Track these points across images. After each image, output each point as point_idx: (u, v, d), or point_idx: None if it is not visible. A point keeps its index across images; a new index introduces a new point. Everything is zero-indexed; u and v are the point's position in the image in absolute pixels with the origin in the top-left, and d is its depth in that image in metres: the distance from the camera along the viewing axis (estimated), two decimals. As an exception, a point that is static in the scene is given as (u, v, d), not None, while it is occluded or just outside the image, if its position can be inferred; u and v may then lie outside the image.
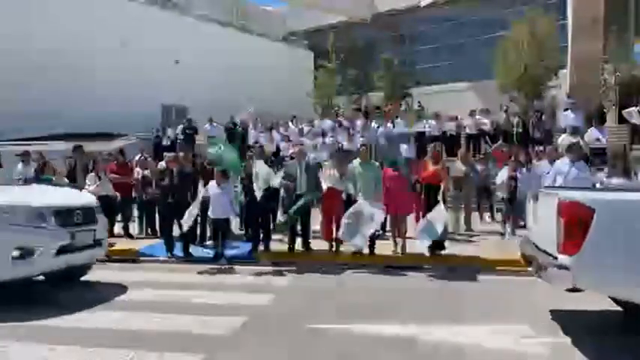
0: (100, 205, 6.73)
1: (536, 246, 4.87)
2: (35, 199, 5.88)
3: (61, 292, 6.24)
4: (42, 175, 9.36)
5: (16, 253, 5.28)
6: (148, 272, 7.39)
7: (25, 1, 18.76)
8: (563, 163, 7.93)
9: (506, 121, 15.44)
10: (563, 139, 12.00)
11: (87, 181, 9.15)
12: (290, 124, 17.73)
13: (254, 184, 7.80)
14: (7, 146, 12.63)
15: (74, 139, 12.29)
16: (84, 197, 6.77)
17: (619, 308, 5.14)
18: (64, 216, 5.82)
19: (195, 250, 8.51)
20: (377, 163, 8.51)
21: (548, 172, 8.30)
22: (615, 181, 7.66)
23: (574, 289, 4.27)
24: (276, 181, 8.07)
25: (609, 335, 4.62)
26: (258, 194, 7.73)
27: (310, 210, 8.32)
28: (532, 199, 5.17)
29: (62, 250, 5.66)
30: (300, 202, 7.83)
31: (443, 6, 28.66)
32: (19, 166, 10.17)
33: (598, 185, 7.90)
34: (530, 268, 5.08)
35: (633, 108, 14.58)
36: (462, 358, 4.17)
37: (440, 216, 7.34)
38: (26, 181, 9.06)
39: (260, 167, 7.95)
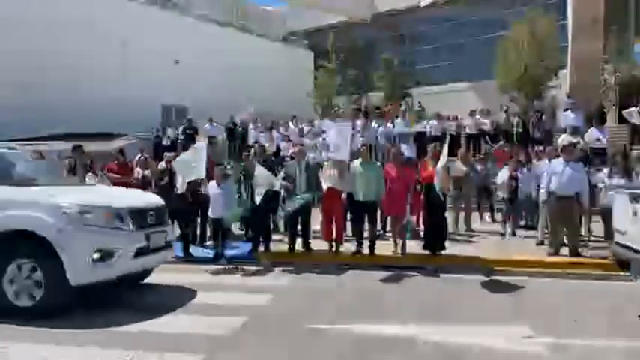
0: None
1: (634, 249, 4.72)
2: (112, 200, 5.71)
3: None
4: None
5: (96, 255, 5.13)
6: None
7: (26, 1, 18.77)
8: (558, 163, 7.92)
9: (506, 121, 15.43)
10: (563, 139, 11.98)
11: (86, 180, 9.15)
12: (290, 124, 17.71)
13: (255, 189, 7.80)
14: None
15: (74, 139, 12.27)
16: (153, 198, 6.54)
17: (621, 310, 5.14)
18: (140, 217, 5.66)
19: (195, 250, 8.52)
20: (378, 163, 8.48)
21: (544, 173, 8.28)
22: (616, 181, 7.64)
23: None
24: (277, 184, 8.08)
25: (612, 335, 4.62)
26: (258, 199, 7.74)
27: (310, 210, 8.31)
28: (630, 201, 4.95)
29: (139, 252, 5.53)
30: (300, 202, 7.83)
31: (443, 6, 28.65)
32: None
33: (600, 185, 7.89)
34: (628, 273, 5.08)
35: (633, 108, 14.57)
36: (461, 358, 4.17)
37: None
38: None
39: (260, 172, 7.95)
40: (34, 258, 5.05)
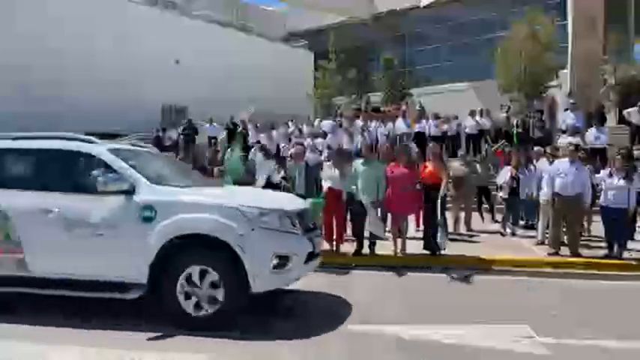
0: None
1: None
2: (275, 201, 5.34)
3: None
4: None
5: (275, 261, 4.76)
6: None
7: (26, 2, 18.78)
8: (562, 163, 7.92)
9: (506, 121, 15.44)
10: (564, 139, 12.00)
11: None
12: (290, 124, 17.72)
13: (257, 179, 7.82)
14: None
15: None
16: (301, 199, 6.10)
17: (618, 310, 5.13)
18: (305, 220, 5.29)
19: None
20: (381, 163, 8.41)
21: (548, 173, 8.27)
22: (616, 181, 7.64)
23: None
24: (277, 177, 8.08)
25: (613, 335, 4.62)
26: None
27: (311, 210, 8.30)
28: None
29: (309, 258, 5.17)
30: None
31: (443, 6, 28.69)
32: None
33: (602, 185, 7.89)
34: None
35: (633, 108, 14.59)
36: (462, 358, 4.17)
37: None
38: None
39: (260, 161, 7.96)
40: (211, 264, 4.68)
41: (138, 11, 22.63)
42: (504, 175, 9.71)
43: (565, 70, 18.73)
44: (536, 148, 10.68)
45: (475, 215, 10.55)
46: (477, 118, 16.18)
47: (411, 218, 8.68)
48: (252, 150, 10.50)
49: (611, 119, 17.18)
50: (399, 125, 15.70)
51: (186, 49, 23.12)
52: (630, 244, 7.89)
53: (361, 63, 28.63)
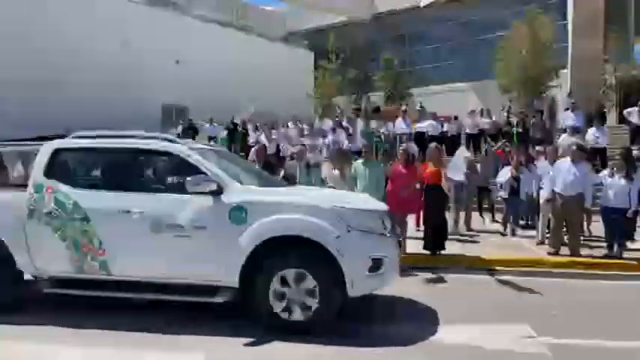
0: None
1: None
2: (369, 203, 5.21)
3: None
4: None
5: (370, 264, 4.59)
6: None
7: (26, 1, 18.79)
8: (563, 163, 7.91)
9: (506, 121, 15.44)
10: (564, 139, 11.99)
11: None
12: (290, 124, 17.72)
13: None
14: (8, 146, 12.58)
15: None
16: (376, 200, 5.90)
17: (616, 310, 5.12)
18: (391, 222, 5.14)
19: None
20: (381, 163, 8.42)
21: (549, 172, 8.27)
22: (617, 181, 7.64)
23: None
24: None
25: (613, 335, 4.62)
26: None
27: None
28: None
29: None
30: None
31: (443, 6, 28.69)
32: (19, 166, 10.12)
33: (603, 185, 7.89)
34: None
35: (633, 108, 14.60)
36: (462, 358, 4.17)
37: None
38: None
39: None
40: (306, 267, 4.50)
41: (138, 11, 22.63)
42: (504, 174, 9.70)
43: (565, 70, 18.75)
44: (536, 148, 10.66)
45: (475, 215, 10.55)
46: (477, 118, 16.18)
47: (411, 218, 8.67)
48: (252, 150, 10.48)
49: (611, 119, 17.18)
50: (399, 125, 15.69)
51: (186, 49, 23.13)
52: (630, 244, 7.89)
53: (361, 63, 28.63)
